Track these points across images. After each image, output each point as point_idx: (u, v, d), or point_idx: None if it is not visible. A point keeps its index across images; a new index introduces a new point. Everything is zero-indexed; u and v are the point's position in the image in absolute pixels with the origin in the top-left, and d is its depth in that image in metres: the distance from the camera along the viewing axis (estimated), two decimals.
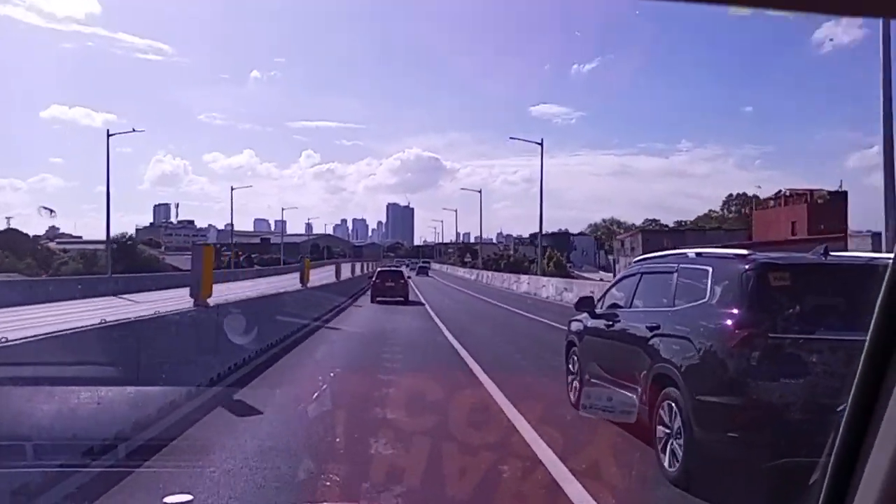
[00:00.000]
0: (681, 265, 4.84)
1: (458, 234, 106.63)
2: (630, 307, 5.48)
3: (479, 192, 52.77)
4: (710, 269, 4.41)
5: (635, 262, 6.24)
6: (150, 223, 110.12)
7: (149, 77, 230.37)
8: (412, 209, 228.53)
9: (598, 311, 6.15)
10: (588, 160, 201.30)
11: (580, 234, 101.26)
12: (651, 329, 4.68)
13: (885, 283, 0.91)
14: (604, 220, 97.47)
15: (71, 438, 4.28)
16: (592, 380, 5.78)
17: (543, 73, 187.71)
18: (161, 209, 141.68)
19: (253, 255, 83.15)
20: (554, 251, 66.27)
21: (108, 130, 31.17)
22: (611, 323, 5.63)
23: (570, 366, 6.58)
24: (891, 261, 0.91)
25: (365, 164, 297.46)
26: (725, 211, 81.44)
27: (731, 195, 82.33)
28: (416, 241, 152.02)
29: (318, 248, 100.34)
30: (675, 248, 5.66)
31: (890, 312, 0.91)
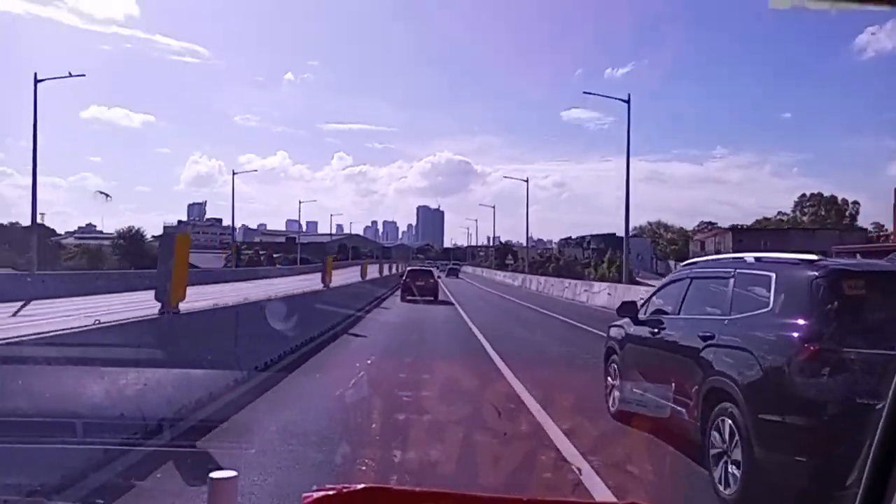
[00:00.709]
0: (738, 270, 4.61)
1: (493, 236, 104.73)
2: (678, 314, 5.26)
3: (526, 180, 48.28)
4: (774, 276, 4.19)
5: (683, 266, 6.05)
6: (178, 221, 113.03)
7: (185, 79, 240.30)
8: (442, 212, 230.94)
9: (641, 317, 5.95)
10: (619, 166, 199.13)
11: (633, 235, 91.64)
12: (704, 339, 4.46)
13: None
14: (649, 223, 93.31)
15: (119, 418, 4.47)
16: (635, 389, 5.62)
17: (576, 77, 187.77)
18: (195, 208, 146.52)
19: (276, 255, 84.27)
20: (617, 254, 61.47)
21: (35, 74, 25.26)
22: (656, 330, 5.42)
23: (610, 375, 6.43)
24: None
25: (396, 167, 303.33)
26: (798, 213, 77.63)
27: (804, 195, 79.10)
28: (446, 244, 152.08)
29: (346, 249, 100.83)
30: (766, 251, 5.25)
31: None
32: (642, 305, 6.12)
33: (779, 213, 79.11)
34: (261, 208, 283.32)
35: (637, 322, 5.96)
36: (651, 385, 5.33)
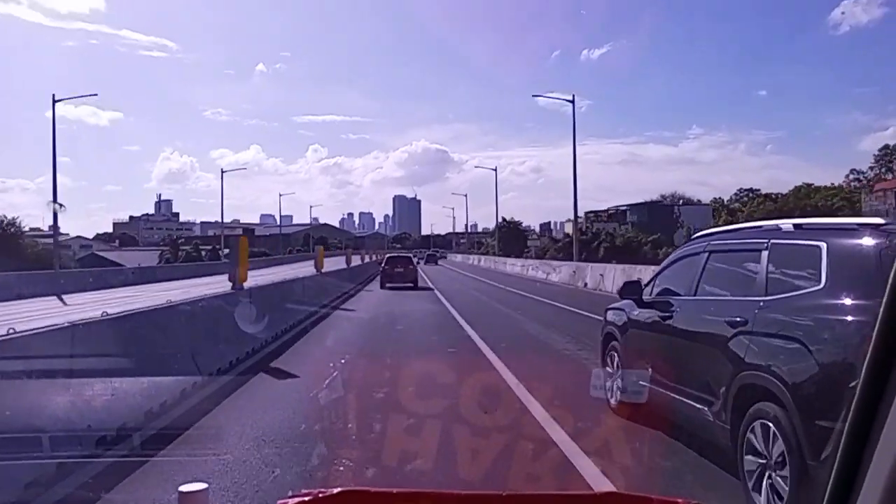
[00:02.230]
0: (773, 241, 4.03)
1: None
2: (694, 294, 4.74)
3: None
4: (824, 246, 3.59)
5: (697, 237, 5.38)
6: (130, 217, 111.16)
7: (154, 74, 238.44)
8: (419, 201, 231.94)
9: (646, 298, 5.50)
10: (596, 149, 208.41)
11: (690, 204, 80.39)
12: (733, 325, 3.92)
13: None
14: (662, 196, 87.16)
15: (86, 429, 4.45)
16: (640, 382, 5.20)
17: (552, 60, 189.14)
18: (162, 205, 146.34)
19: (226, 250, 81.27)
20: (680, 222, 53.09)
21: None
22: (667, 314, 4.97)
23: (608, 364, 6.04)
24: None
25: (372, 158, 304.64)
26: (848, 183, 70.31)
27: (853, 170, 72.51)
28: (425, 232, 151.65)
29: (313, 240, 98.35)
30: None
31: None
32: (646, 285, 5.69)
33: (807, 185, 73.06)
34: (235, 203, 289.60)
35: (642, 304, 5.53)
36: (660, 377, 4.92)
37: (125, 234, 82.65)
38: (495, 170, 51.74)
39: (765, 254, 4.03)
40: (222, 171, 59.53)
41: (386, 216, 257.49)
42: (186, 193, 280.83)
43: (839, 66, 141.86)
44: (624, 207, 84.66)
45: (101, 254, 67.96)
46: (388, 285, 25.14)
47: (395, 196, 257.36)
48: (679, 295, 5.03)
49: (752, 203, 71.10)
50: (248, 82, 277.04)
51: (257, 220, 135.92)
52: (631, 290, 5.76)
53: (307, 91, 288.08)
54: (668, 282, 5.39)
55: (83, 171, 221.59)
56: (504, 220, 75.06)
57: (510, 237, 72.52)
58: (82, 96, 27.89)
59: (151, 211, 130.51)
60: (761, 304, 3.85)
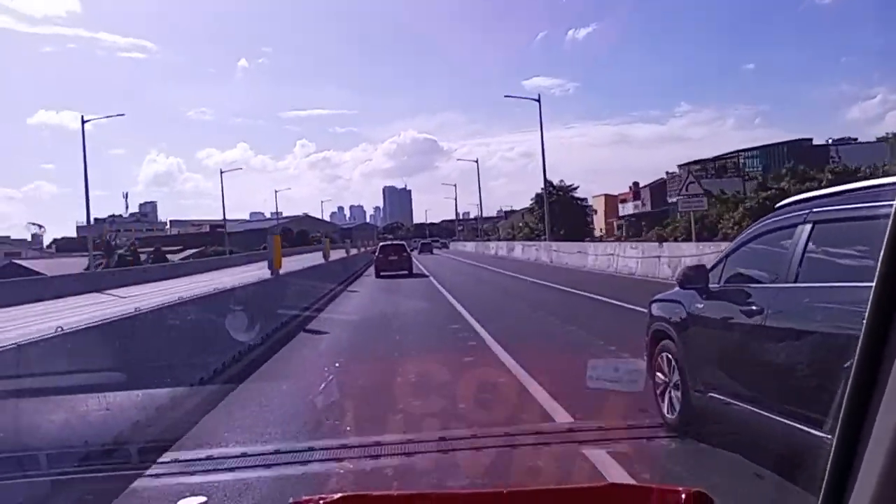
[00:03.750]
0: None
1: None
2: (795, 281, 3.82)
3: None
4: None
5: (787, 204, 4.32)
6: (95, 220, 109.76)
7: (134, 76, 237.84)
8: (409, 191, 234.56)
9: (713, 286, 4.73)
10: (584, 131, 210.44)
11: (844, 142, 48.81)
12: None
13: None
14: (679, 167, 58.58)
15: (83, 445, 4.79)
16: (712, 394, 4.47)
17: (537, 43, 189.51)
18: (148, 206, 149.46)
19: (174, 250, 74.82)
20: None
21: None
22: (752, 307, 4.07)
23: (661, 370, 5.28)
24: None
25: (360, 150, 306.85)
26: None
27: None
28: (417, 221, 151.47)
29: (292, 235, 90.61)
30: None
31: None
32: (712, 268, 4.91)
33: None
34: (225, 204, 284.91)
35: (709, 295, 4.74)
36: (741, 388, 4.21)
37: (84, 237, 79.80)
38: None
39: None
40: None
41: (376, 208, 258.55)
42: (174, 195, 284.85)
43: (824, 36, 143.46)
44: (740, 153, 50.22)
45: (22, 262, 62.16)
46: (382, 273, 26.46)
47: (385, 187, 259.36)
48: (763, 282, 4.29)
49: None
50: (230, 80, 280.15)
51: (247, 218, 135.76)
52: (694, 277, 4.93)
53: (291, 86, 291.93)
54: (744, 264, 4.61)
55: (68, 178, 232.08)
56: (552, 186, 50.41)
57: (561, 212, 48.84)
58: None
59: (134, 211, 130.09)
60: None
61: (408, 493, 1.32)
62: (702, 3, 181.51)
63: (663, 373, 5.23)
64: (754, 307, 4.08)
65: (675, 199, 32.86)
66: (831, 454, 1.03)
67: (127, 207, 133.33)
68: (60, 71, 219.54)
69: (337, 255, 33.25)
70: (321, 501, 1.24)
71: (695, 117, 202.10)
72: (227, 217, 77.10)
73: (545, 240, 39.91)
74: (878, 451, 0.94)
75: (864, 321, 0.99)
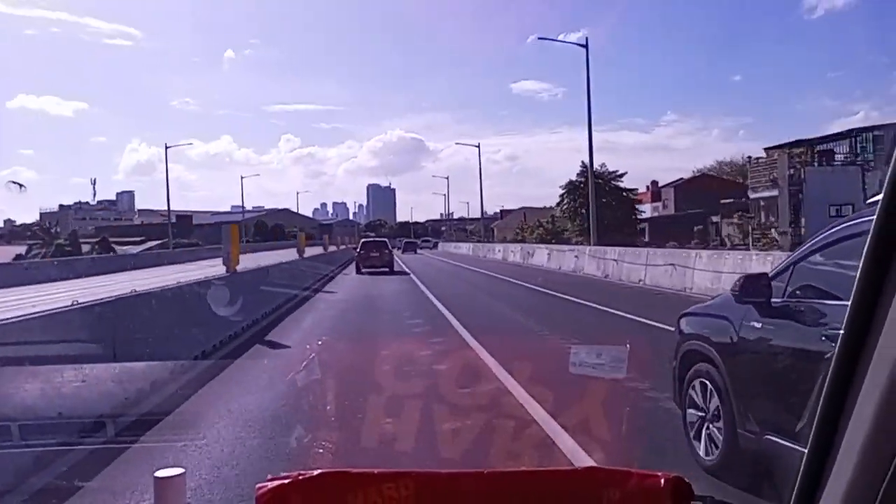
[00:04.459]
0: None
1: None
2: None
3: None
4: None
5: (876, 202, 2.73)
6: (60, 206, 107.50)
7: (119, 63, 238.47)
8: (393, 190, 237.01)
9: (776, 301, 4.01)
10: (570, 136, 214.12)
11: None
12: None
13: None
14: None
15: (57, 417, 4.87)
16: (770, 436, 3.75)
17: (527, 45, 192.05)
18: (124, 196, 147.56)
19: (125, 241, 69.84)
20: None
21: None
22: (829, 330, 3.37)
23: (694, 402, 4.54)
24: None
25: (346, 147, 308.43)
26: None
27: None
28: (401, 219, 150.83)
29: (266, 229, 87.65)
30: None
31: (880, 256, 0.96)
32: (773, 277, 4.21)
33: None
34: (206, 195, 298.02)
35: (770, 311, 4.01)
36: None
37: (39, 225, 76.04)
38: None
39: None
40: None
41: (360, 206, 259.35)
42: (155, 185, 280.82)
43: (813, 51, 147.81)
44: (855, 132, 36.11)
45: None
46: (364, 270, 27.32)
47: (369, 185, 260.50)
48: (841, 298, 3.39)
49: None
50: (216, 71, 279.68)
51: (228, 211, 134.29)
52: (752, 289, 4.15)
53: (278, 79, 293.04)
54: (816, 275, 3.90)
55: (48, 164, 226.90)
56: (585, 166, 41.65)
57: (602, 206, 36.93)
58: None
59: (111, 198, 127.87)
60: None
61: (388, 471, 1.29)
62: (691, 13, 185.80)
63: (696, 408, 4.52)
64: (830, 329, 3.36)
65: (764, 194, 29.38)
66: (802, 464, 1.03)
67: (94, 195, 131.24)
68: (42, 55, 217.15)
69: (313, 252, 32.08)
70: (301, 477, 1.26)
71: (680, 127, 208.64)
72: (204, 209, 75.43)
73: (579, 242, 32.77)
74: (847, 461, 0.95)
75: (840, 332, 1.00)
